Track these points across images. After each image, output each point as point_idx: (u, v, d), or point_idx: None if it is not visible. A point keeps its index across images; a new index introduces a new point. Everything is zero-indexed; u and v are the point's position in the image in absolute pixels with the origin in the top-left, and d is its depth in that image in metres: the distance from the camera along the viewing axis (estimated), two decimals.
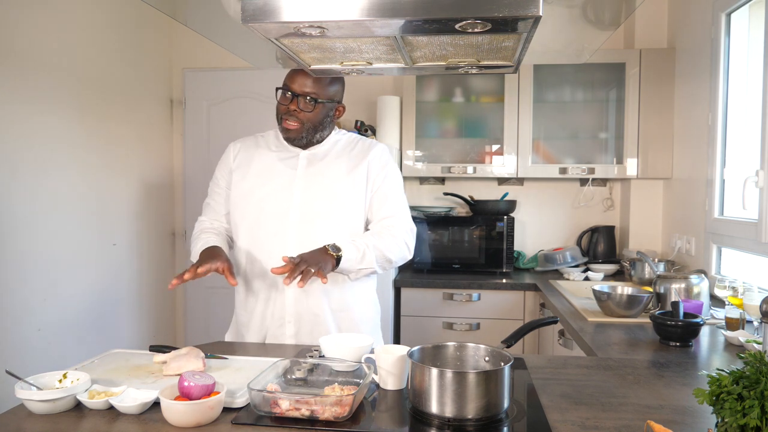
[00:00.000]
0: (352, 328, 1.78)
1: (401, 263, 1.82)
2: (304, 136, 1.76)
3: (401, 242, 1.77)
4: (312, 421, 1.11)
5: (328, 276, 1.57)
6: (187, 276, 1.51)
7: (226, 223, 1.86)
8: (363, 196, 1.78)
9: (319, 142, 1.81)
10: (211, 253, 1.62)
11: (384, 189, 1.80)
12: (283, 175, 1.77)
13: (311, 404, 1.11)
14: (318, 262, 1.55)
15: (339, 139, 1.85)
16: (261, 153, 1.82)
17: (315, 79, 1.71)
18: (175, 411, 1.09)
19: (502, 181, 3.62)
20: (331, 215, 1.74)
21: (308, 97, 1.71)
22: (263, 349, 1.66)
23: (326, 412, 1.10)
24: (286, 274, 1.49)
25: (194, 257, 1.69)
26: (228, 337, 1.87)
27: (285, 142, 1.82)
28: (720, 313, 2.06)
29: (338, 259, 1.61)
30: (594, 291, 2.15)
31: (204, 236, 1.78)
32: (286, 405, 1.11)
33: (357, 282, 1.77)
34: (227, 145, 1.90)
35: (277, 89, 1.77)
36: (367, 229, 1.82)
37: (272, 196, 1.75)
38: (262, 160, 1.81)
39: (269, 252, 1.72)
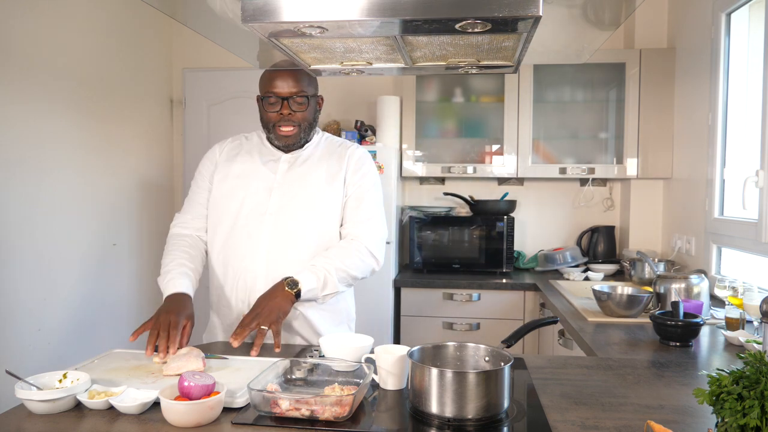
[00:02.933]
0: (328, 329, 1.74)
1: (369, 276, 1.75)
2: (302, 137, 1.73)
3: (367, 256, 1.70)
4: (312, 421, 1.11)
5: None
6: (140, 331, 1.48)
7: (203, 224, 1.82)
8: (340, 202, 1.75)
9: (308, 141, 1.78)
10: (175, 306, 1.53)
11: (357, 195, 1.75)
12: (263, 178, 1.74)
13: (311, 404, 1.11)
14: (272, 312, 1.50)
15: (319, 141, 1.81)
16: (243, 155, 1.79)
17: (296, 76, 1.66)
18: (175, 411, 1.09)
19: (502, 181, 3.62)
20: (306, 221, 1.70)
21: (297, 96, 1.68)
22: (263, 349, 1.65)
23: (326, 412, 1.10)
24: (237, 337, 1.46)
25: (163, 283, 1.63)
26: (205, 338, 1.85)
27: (268, 145, 1.79)
28: (720, 313, 2.06)
29: (297, 293, 1.57)
30: (594, 291, 2.15)
31: (176, 256, 1.70)
32: (286, 405, 1.11)
33: None
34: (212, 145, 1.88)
35: (259, 98, 1.71)
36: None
37: (249, 200, 1.72)
38: (243, 163, 1.77)
39: (242, 255, 1.70)
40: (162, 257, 1.75)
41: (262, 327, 1.48)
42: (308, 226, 1.70)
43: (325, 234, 1.73)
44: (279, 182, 1.73)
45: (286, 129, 1.70)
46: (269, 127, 1.73)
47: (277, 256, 1.68)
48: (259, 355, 1.55)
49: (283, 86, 1.67)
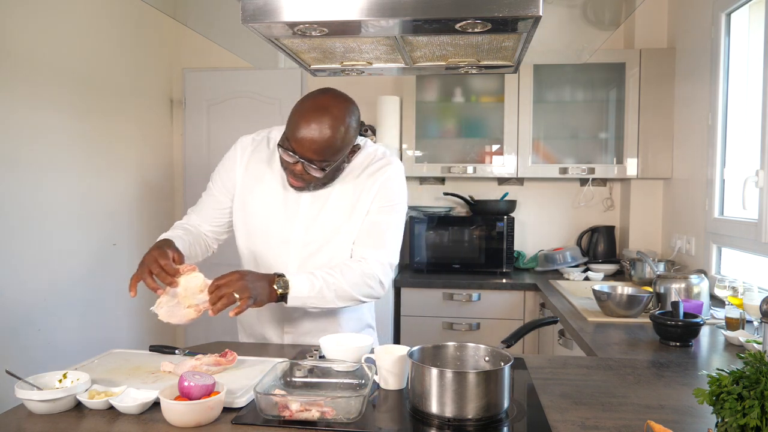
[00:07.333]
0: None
1: (370, 301, 1.67)
2: (313, 188, 1.59)
3: (373, 281, 1.59)
4: (315, 422, 1.10)
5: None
6: (135, 282, 1.40)
7: (210, 228, 1.72)
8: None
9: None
10: (156, 246, 1.45)
11: (375, 218, 1.62)
12: (286, 208, 1.63)
13: (322, 406, 1.10)
14: (249, 291, 1.39)
15: (351, 160, 1.64)
16: (269, 174, 1.64)
17: (326, 146, 1.44)
18: (175, 411, 1.09)
19: (502, 181, 3.62)
20: (329, 252, 1.62)
21: (317, 163, 1.48)
22: (263, 349, 1.66)
23: (340, 414, 1.10)
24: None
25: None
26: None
27: None
28: (720, 313, 2.06)
29: (281, 297, 1.47)
30: (594, 291, 2.15)
31: (171, 231, 1.63)
32: (296, 406, 1.10)
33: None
34: (236, 140, 1.71)
35: (278, 145, 1.51)
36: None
37: (273, 228, 1.64)
38: (269, 185, 1.64)
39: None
40: None
41: (234, 295, 1.37)
42: (333, 252, 1.63)
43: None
44: (302, 214, 1.62)
45: (295, 182, 1.55)
46: (282, 167, 1.57)
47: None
48: (258, 355, 1.55)
49: (306, 151, 1.46)
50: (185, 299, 1.40)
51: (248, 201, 1.66)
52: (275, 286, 1.46)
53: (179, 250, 1.48)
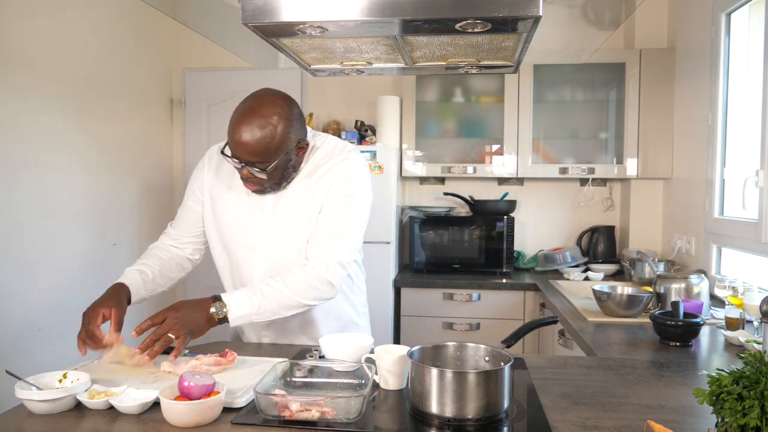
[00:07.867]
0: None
1: (322, 303, 1.61)
2: (270, 189, 1.58)
3: (320, 283, 1.53)
4: (315, 422, 1.10)
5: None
6: (81, 342, 1.43)
7: (189, 240, 1.75)
8: None
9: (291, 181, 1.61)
10: (96, 302, 1.51)
11: (332, 216, 1.57)
12: (250, 217, 1.63)
13: (322, 406, 1.10)
14: (184, 327, 1.40)
15: (307, 158, 1.61)
16: (235, 181, 1.63)
17: (258, 145, 1.44)
18: (175, 411, 1.09)
19: (502, 181, 3.62)
20: (295, 252, 1.60)
21: (259, 164, 1.48)
22: (263, 349, 1.66)
23: (340, 414, 1.10)
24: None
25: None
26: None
27: None
28: (720, 313, 2.06)
29: (222, 320, 1.46)
30: (594, 291, 2.15)
31: (139, 262, 1.69)
32: (296, 406, 1.10)
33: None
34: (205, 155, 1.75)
35: (221, 151, 1.55)
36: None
37: (240, 235, 1.64)
38: (235, 192, 1.64)
39: (239, 281, 1.68)
40: None
41: (169, 335, 1.40)
42: (297, 259, 1.60)
43: None
44: (266, 219, 1.62)
45: (248, 185, 1.56)
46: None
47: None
48: (258, 355, 1.55)
49: (243, 154, 1.46)
50: (126, 359, 1.43)
51: (218, 209, 1.67)
52: (213, 310, 1.45)
53: (121, 304, 1.53)
